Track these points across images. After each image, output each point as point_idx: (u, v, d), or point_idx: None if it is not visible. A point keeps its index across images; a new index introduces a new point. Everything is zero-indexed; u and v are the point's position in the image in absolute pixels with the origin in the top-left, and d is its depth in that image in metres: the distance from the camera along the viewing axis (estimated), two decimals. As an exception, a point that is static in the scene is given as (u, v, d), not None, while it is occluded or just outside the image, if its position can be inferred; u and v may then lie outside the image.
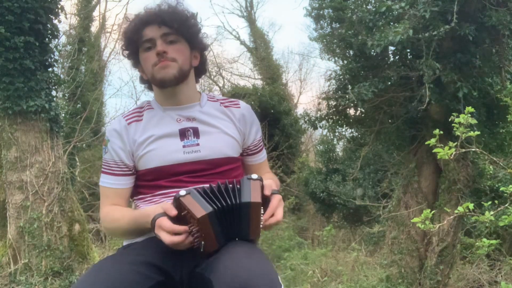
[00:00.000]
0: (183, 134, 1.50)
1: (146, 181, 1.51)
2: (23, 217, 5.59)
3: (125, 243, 1.54)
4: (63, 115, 10.73)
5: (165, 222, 1.26)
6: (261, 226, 1.34)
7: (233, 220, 1.32)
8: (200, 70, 1.62)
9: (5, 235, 5.77)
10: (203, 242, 1.27)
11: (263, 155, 1.72)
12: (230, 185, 1.35)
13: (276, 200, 1.38)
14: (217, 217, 1.28)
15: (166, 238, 1.25)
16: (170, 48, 1.47)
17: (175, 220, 1.28)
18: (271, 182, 1.43)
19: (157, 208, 1.33)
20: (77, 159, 11.13)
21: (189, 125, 1.52)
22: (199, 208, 1.25)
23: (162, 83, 1.48)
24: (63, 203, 5.86)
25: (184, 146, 1.49)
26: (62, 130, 6.70)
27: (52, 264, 5.57)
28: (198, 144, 1.50)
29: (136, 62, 1.56)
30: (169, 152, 1.48)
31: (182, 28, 1.48)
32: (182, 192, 1.29)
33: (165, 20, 1.47)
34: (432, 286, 5.82)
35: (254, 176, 1.37)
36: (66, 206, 5.89)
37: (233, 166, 1.56)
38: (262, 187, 1.37)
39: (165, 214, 1.29)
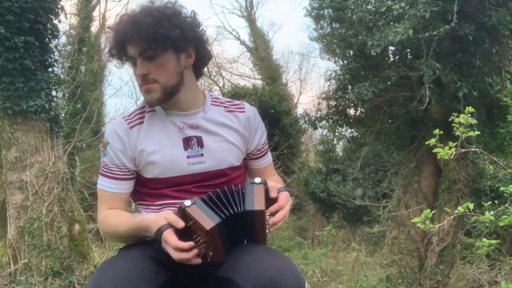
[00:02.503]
0: (186, 143, 1.46)
1: (150, 189, 1.48)
2: (23, 217, 5.59)
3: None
4: (63, 115, 10.73)
5: (170, 237, 1.22)
6: (267, 231, 1.33)
7: (239, 228, 1.31)
8: (200, 64, 1.51)
9: (5, 235, 5.77)
10: (211, 253, 1.25)
11: (267, 159, 1.68)
12: (235, 191, 1.33)
13: (284, 197, 1.37)
14: (225, 226, 1.25)
15: (174, 254, 1.22)
16: (151, 66, 1.38)
17: (181, 231, 1.24)
18: (275, 183, 1.41)
19: (159, 218, 1.28)
20: (77, 159, 11.13)
21: (193, 134, 1.47)
22: (207, 220, 1.22)
23: (149, 105, 1.45)
24: (63, 203, 5.86)
25: (188, 157, 1.45)
26: (62, 130, 6.70)
27: (52, 264, 5.57)
28: (202, 155, 1.46)
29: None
30: (173, 162, 1.44)
31: (155, 42, 1.35)
32: (187, 202, 1.25)
33: (133, 39, 1.35)
34: (432, 286, 5.82)
35: (258, 180, 1.34)
36: (66, 206, 5.89)
37: (237, 174, 1.55)
38: (267, 190, 1.35)
39: (170, 226, 1.25)
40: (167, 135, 1.46)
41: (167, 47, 1.37)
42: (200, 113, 1.50)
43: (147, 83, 1.39)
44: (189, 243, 1.22)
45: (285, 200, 1.36)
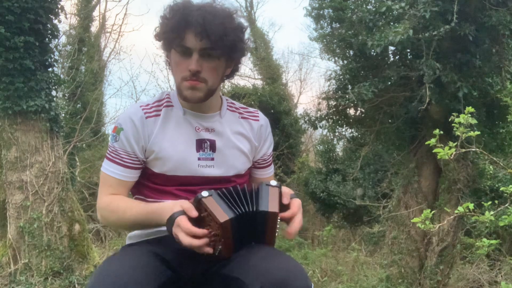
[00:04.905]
0: (199, 145, 1.45)
1: (154, 183, 1.46)
2: (23, 217, 5.59)
3: (128, 242, 1.51)
4: (63, 115, 10.73)
5: (184, 222, 1.22)
6: (276, 235, 1.33)
7: (249, 228, 1.30)
8: (230, 76, 1.53)
9: (5, 235, 5.77)
10: (220, 247, 1.25)
11: (270, 170, 1.68)
12: (248, 190, 1.33)
13: (296, 204, 1.35)
14: (237, 223, 1.25)
15: (185, 239, 1.21)
16: (205, 65, 1.36)
17: (194, 221, 1.25)
18: (288, 189, 1.39)
19: (175, 205, 1.28)
20: (77, 159, 11.12)
21: (207, 137, 1.46)
22: (222, 212, 1.22)
23: (186, 100, 1.42)
24: (63, 203, 5.86)
25: (199, 159, 1.44)
26: (62, 130, 6.70)
27: (52, 264, 5.57)
28: (213, 159, 1.46)
29: (168, 50, 1.43)
30: (183, 162, 1.43)
31: (226, 48, 1.34)
32: (205, 193, 1.25)
33: (209, 35, 1.30)
34: (432, 286, 5.82)
35: (273, 182, 1.34)
36: (66, 206, 5.89)
37: (242, 181, 1.55)
38: (281, 195, 1.35)
39: (184, 213, 1.25)
40: (182, 133, 1.45)
41: (230, 57, 1.40)
42: (216, 117, 1.50)
43: (197, 80, 1.37)
44: (202, 230, 1.22)
45: (297, 207, 1.35)
